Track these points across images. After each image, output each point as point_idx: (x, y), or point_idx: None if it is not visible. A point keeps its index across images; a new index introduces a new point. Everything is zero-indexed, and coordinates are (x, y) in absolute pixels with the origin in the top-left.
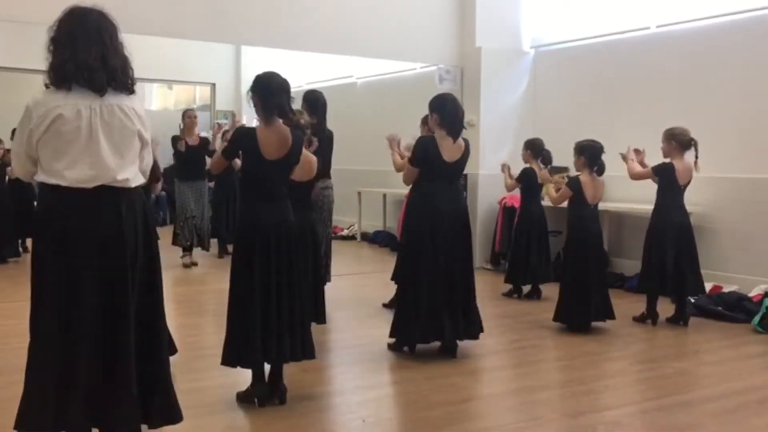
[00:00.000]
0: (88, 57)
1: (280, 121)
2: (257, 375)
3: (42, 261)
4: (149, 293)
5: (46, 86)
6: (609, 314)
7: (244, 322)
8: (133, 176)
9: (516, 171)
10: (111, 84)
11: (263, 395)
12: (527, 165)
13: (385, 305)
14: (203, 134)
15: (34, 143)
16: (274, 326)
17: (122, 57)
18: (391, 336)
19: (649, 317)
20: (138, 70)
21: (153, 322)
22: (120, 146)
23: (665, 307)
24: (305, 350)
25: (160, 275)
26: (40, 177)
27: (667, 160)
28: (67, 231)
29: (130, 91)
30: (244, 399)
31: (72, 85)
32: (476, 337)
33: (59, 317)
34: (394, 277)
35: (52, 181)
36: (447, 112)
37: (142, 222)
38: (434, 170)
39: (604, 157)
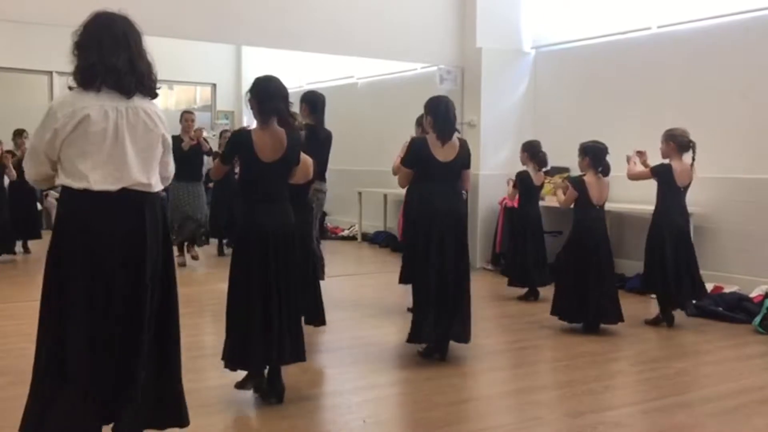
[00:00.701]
0: (117, 61)
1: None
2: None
3: (63, 264)
4: (166, 298)
5: (70, 88)
6: (619, 317)
7: (246, 325)
8: (156, 180)
9: (514, 170)
10: (139, 88)
11: (261, 386)
12: (522, 168)
13: (410, 309)
14: (204, 134)
15: (58, 144)
16: (274, 328)
17: (147, 62)
18: (409, 341)
19: (664, 320)
20: None
21: (168, 325)
22: (144, 149)
23: (653, 308)
24: (298, 352)
25: (176, 279)
26: (62, 180)
27: (666, 161)
28: (91, 233)
29: (154, 95)
30: (240, 387)
31: (101, 87)
32: (466, 341)
33: (82, 320)
34: (402, 281)
35: (76, 184)
36: (440, 115)
37: (162, 226)
38: (429, 171)
39: (606, 157)
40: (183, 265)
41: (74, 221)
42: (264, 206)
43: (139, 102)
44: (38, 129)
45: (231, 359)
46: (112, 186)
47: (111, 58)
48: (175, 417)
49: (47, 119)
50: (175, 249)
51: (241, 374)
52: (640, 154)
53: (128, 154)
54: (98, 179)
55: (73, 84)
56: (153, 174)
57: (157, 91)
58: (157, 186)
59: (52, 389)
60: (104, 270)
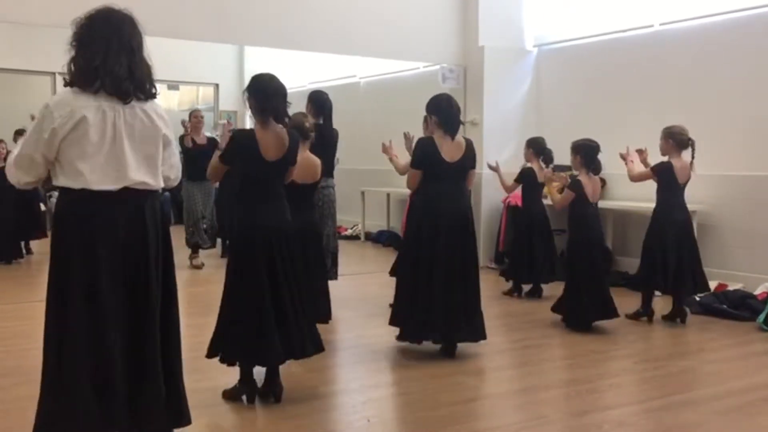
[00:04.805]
0: (119, 68)
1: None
2: (245, 373)
3: (66, 264)
4: (166, 297)
5: (66, 84)
6: (613, 313)
7: (241, 322)
8: (156, 179)
9: (517, 170)
10: (136, 93)
11: (251, 393)
12: (527, 164)
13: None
14: (208, 134)
15: (56, 144)
16: (287, 324)
17: (146, 66)
18: (390, 323)
19: (644, 314)
20: None
21: (169, 326)
22: (142, 148)
23: (665, 304)
24: (316, 343)
25: (175, 279)
26: (60, 181)
27: (665, 159)
28: (92, 233)
29: (153, 97)
30: (231, 397)
31: (99, 90)
32: (477, 340)
33: (87, 320)
34: (393, 273)
35: (77, 184)
36: (443, 112)
37: (162, 225)
38: (436, 171)
39: (604, 155)
40: (200, 266)
41: (74, 222)
42: (262, 205)
43: (136, 102)
44: (33, 129)
45: (243, 354)
46: (113, 186)
47: (114, 64)
48: (177, 416)
49: (42, 120)
50: (189, 250)
51: (234, 379)
52: (640, 152)
53: (126, 153)
54: (97, 179)
55: (69, 79)
56: (154, 173)
57: (154, 91)
58: (159, 185)
59: (61, 390)
60: (106, 269)
